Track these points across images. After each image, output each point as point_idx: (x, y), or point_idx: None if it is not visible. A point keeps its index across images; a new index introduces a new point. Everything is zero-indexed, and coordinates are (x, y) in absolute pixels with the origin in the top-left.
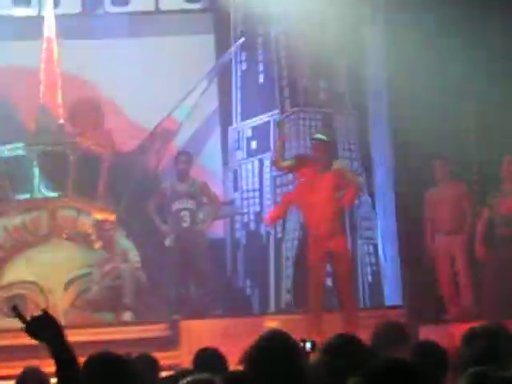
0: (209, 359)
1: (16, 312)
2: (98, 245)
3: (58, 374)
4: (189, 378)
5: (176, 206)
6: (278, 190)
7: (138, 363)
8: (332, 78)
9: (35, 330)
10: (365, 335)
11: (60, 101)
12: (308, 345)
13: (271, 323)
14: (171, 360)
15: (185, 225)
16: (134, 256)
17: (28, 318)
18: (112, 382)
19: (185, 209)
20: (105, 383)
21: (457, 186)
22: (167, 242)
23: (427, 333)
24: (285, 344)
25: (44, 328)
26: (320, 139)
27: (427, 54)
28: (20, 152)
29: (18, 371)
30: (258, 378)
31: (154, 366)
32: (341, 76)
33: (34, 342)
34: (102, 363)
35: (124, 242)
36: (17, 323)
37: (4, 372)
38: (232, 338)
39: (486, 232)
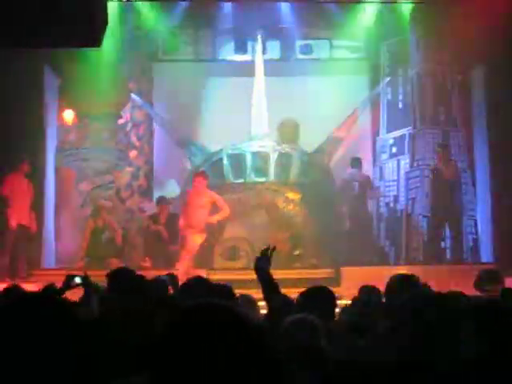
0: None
1: (264, 252)
2: (287, 214)
3: (265, 297)
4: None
5: None
6: (409, 181)
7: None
8: (448, 106)
9: (258, 263)
10: (470, 282)
11: (266, 117)
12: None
13: (402, 271)
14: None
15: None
16: (310, 222)
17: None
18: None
19: None
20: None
21: None
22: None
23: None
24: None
25: (262, 263)
26: (438, 151)
27: None
28: (238, 151)
29: None
30: None
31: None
32: (454, 104)
33: (241, 277)
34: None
35: (304, 212)
36: (231, 264)
37: None
38: (375, 280)
39: None
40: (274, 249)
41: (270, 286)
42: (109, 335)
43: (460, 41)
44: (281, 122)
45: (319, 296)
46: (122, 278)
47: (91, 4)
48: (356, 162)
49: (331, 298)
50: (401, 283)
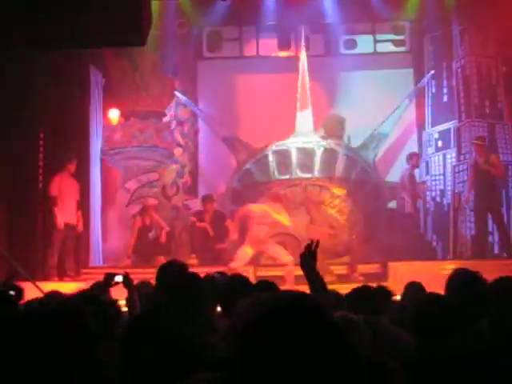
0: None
1: (309, 250)
2: (333, 209)
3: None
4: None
5: None
6: (456, 175)
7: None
8: (493, 99)
9: (305, 261)
10: None
11: (310, 113)
12: None
13: (449, 266)
14: None
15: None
16: (356, 217)
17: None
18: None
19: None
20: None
21: None
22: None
23: None
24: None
25: (308, 261)
26: (476, 143)
27: None
28: (283, 147)
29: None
30: None
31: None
32: (500, 97)
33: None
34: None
35: (350, 207)
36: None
37: None
38: (423, 275)
39: None
40: (317, 244)
41: (315, 283)
42: (154, 331)
43: (504, 33)
44: (326, 117)
45: (369, 294)
46: (172, 274)
47: (135, 3)
48: (409, 158)
49: (382, 296)
50: (462, 279)
